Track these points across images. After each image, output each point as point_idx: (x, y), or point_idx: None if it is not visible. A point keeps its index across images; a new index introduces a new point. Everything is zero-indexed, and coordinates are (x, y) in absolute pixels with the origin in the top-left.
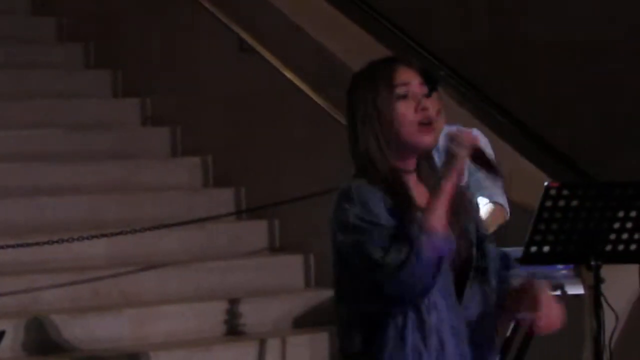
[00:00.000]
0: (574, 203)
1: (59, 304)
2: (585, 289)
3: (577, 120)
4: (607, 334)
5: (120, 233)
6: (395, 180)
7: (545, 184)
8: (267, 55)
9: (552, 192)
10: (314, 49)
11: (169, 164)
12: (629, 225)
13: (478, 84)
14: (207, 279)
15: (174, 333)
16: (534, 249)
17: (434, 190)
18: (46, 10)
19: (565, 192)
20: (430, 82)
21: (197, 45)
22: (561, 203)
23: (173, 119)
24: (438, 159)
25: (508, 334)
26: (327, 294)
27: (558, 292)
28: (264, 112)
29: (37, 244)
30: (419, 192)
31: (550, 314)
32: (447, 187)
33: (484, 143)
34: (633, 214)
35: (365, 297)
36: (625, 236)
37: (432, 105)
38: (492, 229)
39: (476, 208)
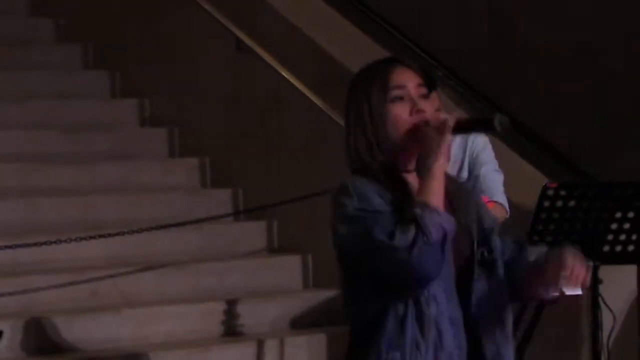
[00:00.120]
0: (572, 203)
1: (58, 304)
2: (582, 289)
3: (576, 121)
4: (605, 334)
5: (119, 234)
6: (390, 178)
7: (544, 184)
8: (265, 55)
9: (550, 192)
10: (312, 50)
11: (167, 164)
12: (626, 226)
13: (476, 84)
14: (205, 279)
15: (173, 333)
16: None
17: (424, 175)
18: (45, 11)
19: (563, 192)
20: (430, 83)
21: (195, 46)
22: (559, 203)
23: (171, 119)
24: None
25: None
26: (325, 295)
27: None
28: (262, 113)
29: (35, 244)
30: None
31: (575, 270)
32: (436, 169)
33: (484, 142)
34: (631, 214)
35: (374, 291)
36: (622, 237)
37: (429, 107)
38: None
39: (478, 203)
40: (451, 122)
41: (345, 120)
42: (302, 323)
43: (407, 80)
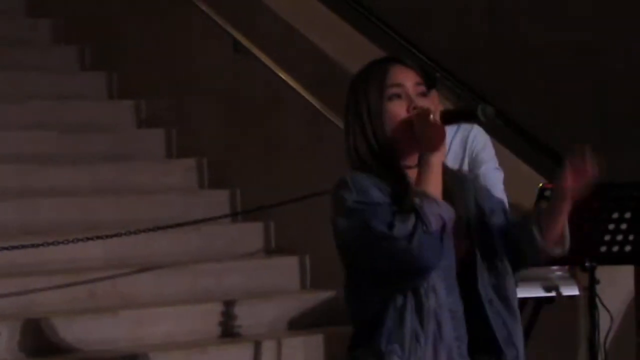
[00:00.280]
0: None
1: (56, 305)
2: (580, 290)
3: (574, 121)
4: (602, 334)
5: (116, 235)
6: (389, 173)
7: (540, 184)
8: (262, 56)
9: (547, 193)
10: (310, 50)
11: (164, 165)
12: (623, 226)
13: (474, 84)
14: (203, 280)
15: (171, 334)
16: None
17: (422, 167)
18: (42, 12)
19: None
20: (429, 81)
21: (192, 46)
22: None
23: (168, 120)
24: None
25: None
26: (323, 295)
27: (553, 294)
28: (259, 113)
29: (32, 245)
30: None
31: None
32: (433, 161)
33: (484, 141)
34: (628, 215)
35: (375, 284)
36: (620, 237)
37: (428, 105)
38: None
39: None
40: (436, 113)
41: (344, 119)
42: (299, 324)
43: (405, 79)
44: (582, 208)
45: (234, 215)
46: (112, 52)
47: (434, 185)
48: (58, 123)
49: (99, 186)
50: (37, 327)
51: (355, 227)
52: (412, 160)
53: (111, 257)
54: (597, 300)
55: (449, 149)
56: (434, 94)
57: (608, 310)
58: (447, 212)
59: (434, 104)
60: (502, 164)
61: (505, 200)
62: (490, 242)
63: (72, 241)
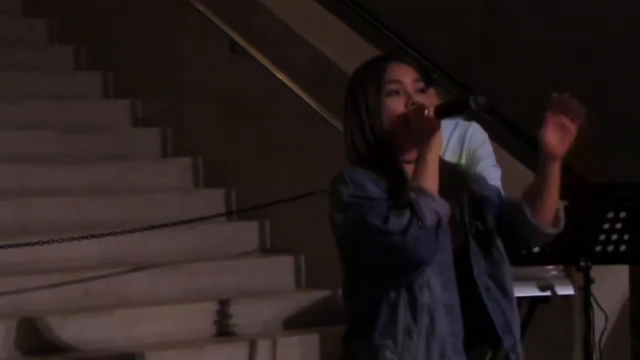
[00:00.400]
0: (564, 204)
1: (50, 305)
2: (575, 289)
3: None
4: (597, 334)
5: (111, 234)
6: (387, 168)
7: None
8: (258, 56)
9: None
10: (306, 50)
11: (159, 164)
12: (618, 226)
13: (472, 85)
14: (198, 279)
15: (166, 334)
16: (524, 249)
17: (418, 161)
18: (37, 12)
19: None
20: (426, 79)
21: (188, 46)
22: None
23: (164, 120)
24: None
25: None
26: (318, 295)
27: (548, 293)
28: (255, 113)
29: (27, 244)
30: None
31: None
32: (429, 155)
33: (482, 137)
34: (622, 214)
35: (370, 278)
36: (614, 237)
37: (426, 101)
38: None
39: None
40: (431, 107)
41: (343, 115)
42: (294, 323)
43: (404, 75)
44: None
45: (229, 215)
46: (107, 52)
47: (430, 180)
48: (53, 123)
49: (95, 185)
50: (32, 325)
51: (351, 221)
52: (411, 155)
53: (106, 256)
54: (592, 299)
55: (446, 146)
56: (431, 91)
57: (603, 310)
58: (443, 208)
59: (432, 100)
60: (499, 163)
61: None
62: (486, 230)
63: (68, 240)
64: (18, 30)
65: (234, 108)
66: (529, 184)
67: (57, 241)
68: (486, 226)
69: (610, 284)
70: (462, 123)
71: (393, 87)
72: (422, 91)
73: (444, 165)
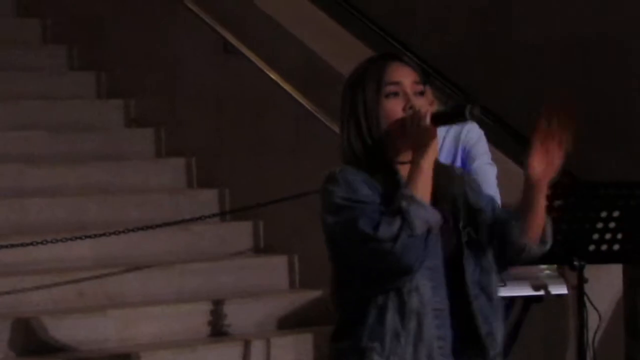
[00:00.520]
0: (557, 203)
1: (44, 305)
2: (568, 289)
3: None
4: (591, 333)
5: (105, 234)
6: (381, 170)
7: None
8: (252, 56)
9: None
10: (299, 50)
11: (153, 165)
12: (612, 225)
13: (463, 84)
14: (191, 280)
15: (159, 334)
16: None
17: (412, 168)
18: (30, 12)
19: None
20: (423, 76)
21: (181, 46)
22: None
23: (157, 120)
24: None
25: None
26: (312, 295)
27: (541, 293)
28: (248, 113)
29: (21, 245)
30: None
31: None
32: (424, 163)
33: (478, 135)
34: (616, 213)
35: (359, 280)
36: (608, 236)
37: (424, 104)
38: None
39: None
40: (428, 115)
41: (340, 113)
42: (288, 323)
43: (403, 77)
44: (571, 207)
45: (223, 215)
46: (100, 52)
47: (423, 188)
48: (46, 123)
49: (88, 186)
50: (26, 326)
51: (342, 223)
52: (406, 156)
53: (100, 257)
54: (585, 299)
55: (442, 143)
56: (428, 91)
57: (596, 309)
58: (434, 217)
59: (430, 104)
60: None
61: (498, 195)
62: (478, 238)
63: (61, 240)
64: (11, 31)
65: (227, 108)
66: (514, 203)
67: (51, 242)
68: (478, 234)
69: (604, 284)
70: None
71: (392, 88)
72: (420, 94)
73: (439, 168)
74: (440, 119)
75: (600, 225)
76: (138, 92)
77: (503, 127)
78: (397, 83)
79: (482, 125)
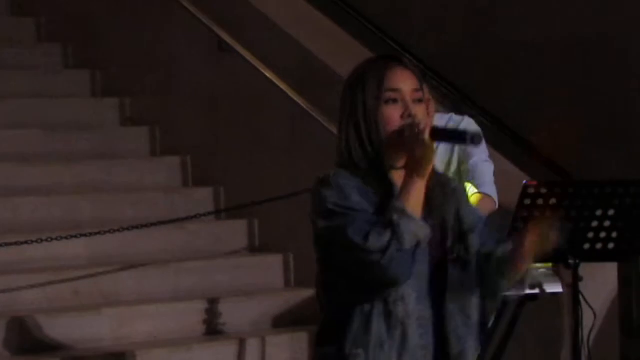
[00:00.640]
0: (552, 201)
1: (38, 304)
2: (563, 287)
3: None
4: (586, 331)
5: (100, 233)
6: (376, 177)
7: (524, 182)
8: (247, 55)
9: (530, 190)
10: (294, 49)
11: (148, 163)
12: (607, 223)
13: (458, 84)
14: (186, 278)
15: (154, 333)
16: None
17: (406, 179)
18: (25, 11)
19: (543, 190)
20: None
21: (176, 45)
22: (539, 201)
23: (152, 118)
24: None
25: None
26: (307, 293)
27: (536, 291)
28: (244, 112)
29: (16, 243)
30: None
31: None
32: (419, 176)
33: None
34: (611, 212)
35: (345, 285)
36: (603, 235)
37: (422, 112)
38: None
39: (463, 198)
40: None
41: (339, 114)
42: (283, 322)
43: (403, 84)
44: (566, 205)
45: (218, 213)
46: (95, 51)
47: (415, 202)
48: (41, 121)
49: (83, 184)
50: (21, 325)
51: (332, 229)
52: (400, 162)
53: (95, 256)
54: (580, 297)
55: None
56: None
57: (591, 308)
58: (423, 231)
59: (428, 111)
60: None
61: (495, 192)
62: (463, 256)
63: (56, 239)
64: (5, 29)
65: (223, 107)
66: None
67: (46, 240)
68: (465, 253)
69: (599, 282)
70: (455, 118)
71: (392, 95)
72: (420, 101)
73: (435, 179)
74: (439, 135)
75: (595, 223)
76: (133, 90)
77: (501, 129)
78: (396, 90)
79: (480, 126)
